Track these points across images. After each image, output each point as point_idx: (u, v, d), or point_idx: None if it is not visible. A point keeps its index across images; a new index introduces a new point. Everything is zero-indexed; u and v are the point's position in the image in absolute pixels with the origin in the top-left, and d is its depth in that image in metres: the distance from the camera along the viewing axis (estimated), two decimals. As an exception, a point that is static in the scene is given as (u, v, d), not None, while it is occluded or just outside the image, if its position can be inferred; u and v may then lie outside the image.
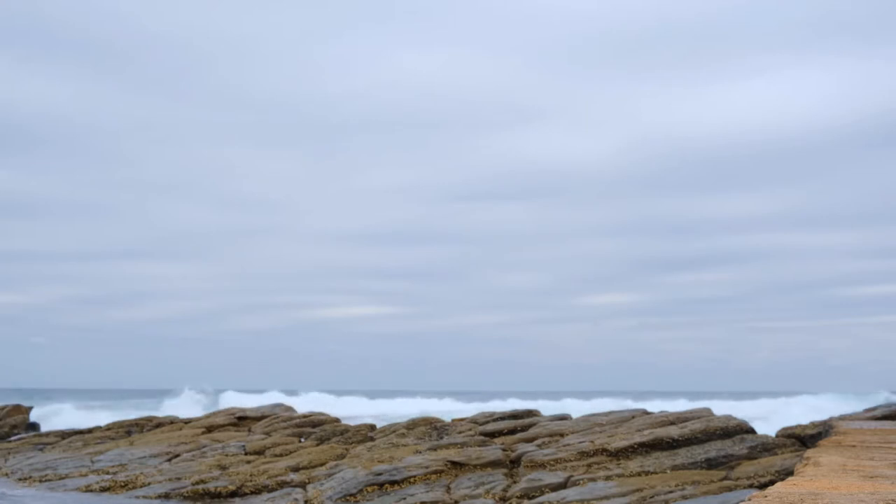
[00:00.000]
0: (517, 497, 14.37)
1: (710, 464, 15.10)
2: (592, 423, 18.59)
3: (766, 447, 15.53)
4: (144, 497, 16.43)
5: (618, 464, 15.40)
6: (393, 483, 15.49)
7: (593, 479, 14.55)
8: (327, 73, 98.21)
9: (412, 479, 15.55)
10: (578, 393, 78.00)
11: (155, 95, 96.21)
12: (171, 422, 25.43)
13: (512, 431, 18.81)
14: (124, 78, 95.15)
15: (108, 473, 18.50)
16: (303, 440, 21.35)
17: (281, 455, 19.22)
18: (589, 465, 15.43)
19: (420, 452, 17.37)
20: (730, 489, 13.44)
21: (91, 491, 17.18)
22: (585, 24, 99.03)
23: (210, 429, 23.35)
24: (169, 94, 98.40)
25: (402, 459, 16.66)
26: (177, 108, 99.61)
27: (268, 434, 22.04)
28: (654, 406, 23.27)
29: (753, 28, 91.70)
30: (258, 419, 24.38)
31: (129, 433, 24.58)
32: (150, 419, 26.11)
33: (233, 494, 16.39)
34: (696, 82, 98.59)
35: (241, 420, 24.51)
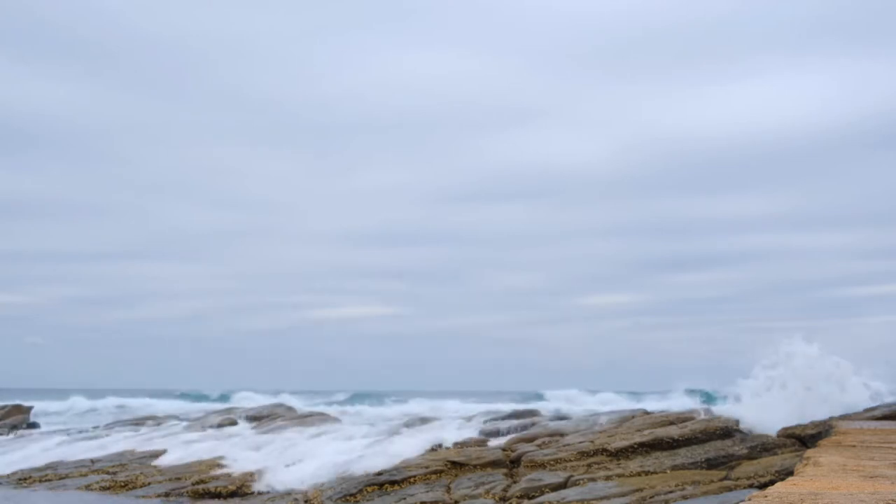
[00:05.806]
0: (517, 497, 14.36)
1: (710, 464, 15.09)
2: (592, 422, 18.59)
3: (766, 447, 15.52)
4: (144, 497, 16.43)
5: (618, 464, 15.39)
6: (393, 483, 15.48)
7: (593, 479, 14.54)
8: (326, 73, 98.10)
9: (412, 479, 15.55)
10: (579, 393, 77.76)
11: (153, 96, 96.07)
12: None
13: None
14: (122, 78, 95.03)
15: (108, 473, 18.49)
16: (303, 440, 21.34)
17: (281, 455, 19.21)
18: (589, 465, 15.43)
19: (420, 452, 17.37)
20: (730, 489, 13.42)
21: (91, 491, 17.17)
22: (586, 25, 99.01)
23: (210, 429, 23.34)
24: (167, 95, 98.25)
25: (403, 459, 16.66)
26: (175, 109, 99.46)
27: (268, 434, 22.04)
28: (654, 406, 23.25)
29: (753, 28, 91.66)
30: (259, 419, 24.39)
31: (129, 433, 24.58)
32: (149, 419, 26.11)
33: (233, 494, 16.39)
34: (696, 82, 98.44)
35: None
